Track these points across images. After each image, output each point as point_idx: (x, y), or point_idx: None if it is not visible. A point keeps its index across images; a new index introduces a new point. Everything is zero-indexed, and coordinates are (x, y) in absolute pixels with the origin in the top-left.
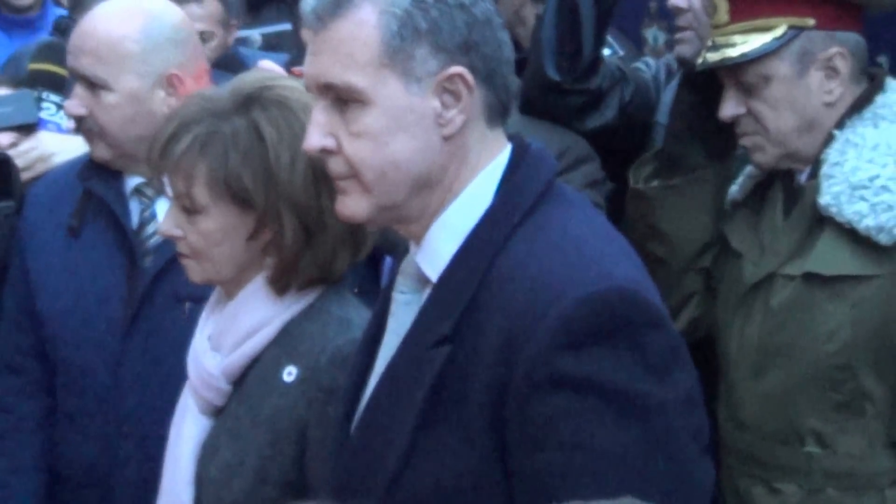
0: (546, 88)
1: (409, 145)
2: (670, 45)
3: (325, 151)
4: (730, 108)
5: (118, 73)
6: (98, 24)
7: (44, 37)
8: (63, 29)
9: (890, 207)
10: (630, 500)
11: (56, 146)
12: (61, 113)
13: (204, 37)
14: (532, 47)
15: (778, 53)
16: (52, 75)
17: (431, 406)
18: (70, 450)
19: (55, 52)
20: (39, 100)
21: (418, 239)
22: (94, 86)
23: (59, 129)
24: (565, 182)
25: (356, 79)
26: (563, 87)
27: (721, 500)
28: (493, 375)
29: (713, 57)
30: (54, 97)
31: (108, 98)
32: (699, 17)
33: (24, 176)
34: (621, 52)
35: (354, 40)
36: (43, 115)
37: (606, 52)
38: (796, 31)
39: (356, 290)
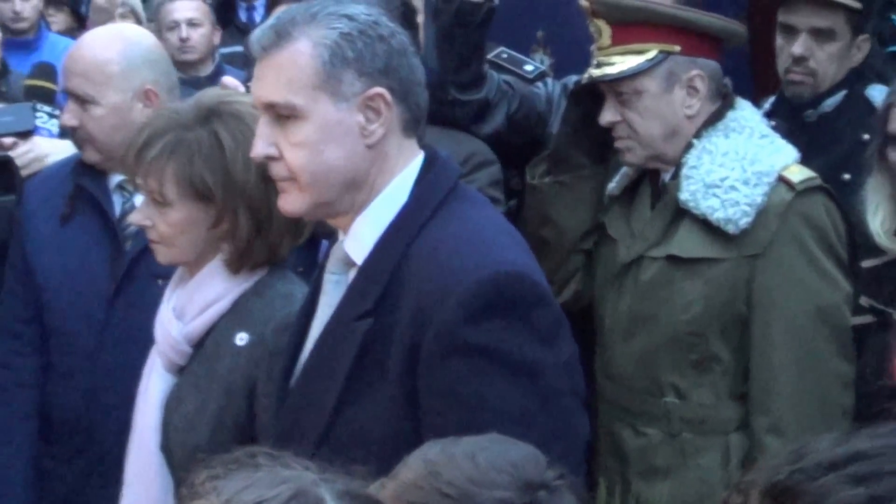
0: (440, 102)
1: (339, 153)
2: (553, 67)
3: (269, 158)
4: (608, 115)
5: (103, 90)
6: (85, 50)
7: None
8: None
9: (736, 203)
10: (493, 437)
11: (49, 148)
12: (53, 121)
13: (194, 22)
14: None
15: (649, 72)
16: (45, 90)
17: (356, 369)
18: (60, 401)
19: (46, 72)
20: (34, 110)
21: (346, 229)
22: (83, 101)
23: (51, 135)
24: (471, 181)
25: (294, 98)
26: (452, 99)
27: (596, 443)
28: (407, 343)
29: (596, 73)
30: (46, 108)
31: (96, 111)
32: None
33: (23, 173)
34: (544, 67)
35: (293, 67)
36: (37, 122)
37: (529, 67)
38: (665, 55)
39: (300, 270)
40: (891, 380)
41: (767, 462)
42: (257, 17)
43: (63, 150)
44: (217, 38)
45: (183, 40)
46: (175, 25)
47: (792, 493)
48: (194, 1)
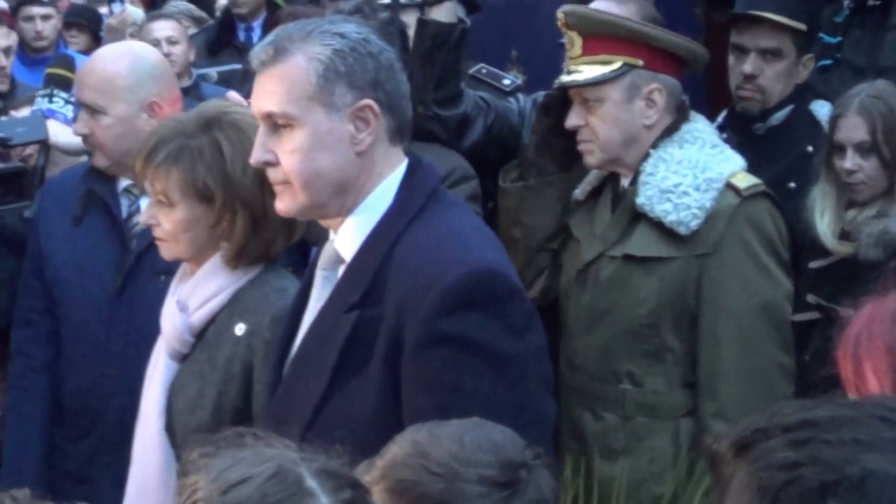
0: (424, 118)
1: (330, 159)
2: (525, 83)
3: (267, 164)
4: (574, 119)
5: (112, 102)
6: (97, 65)
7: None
8: None
9: (688, 207)
10: (476, 420)
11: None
12: (68, 106)
13: (172, 40)
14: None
15: (612, 82)
16: (63, 78)
17: (344, 357)
18: (70, 385)
19: (66, 62)
20: (52, 95)
21: (336, 229)
22: (94, 111)
23: (66, 120)
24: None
25: (290, 109)
26: (433, 115)
27: (559, 425)
28: (391, 334)
29: (566, 79)
30: (63, 94)
31: (105, 120)
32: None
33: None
34: (519, 81)
35: (289, 80)
36: (53, 106)
37: (507, 81)
38: (629, 67)
39: (290, 269)
40: (834, 369)
41: (748, 419)
42: (255, 37)
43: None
44: (192, 55)
45: (165, 55)
46: (156, 43)
47: (747, 448)
48: (171, 21)
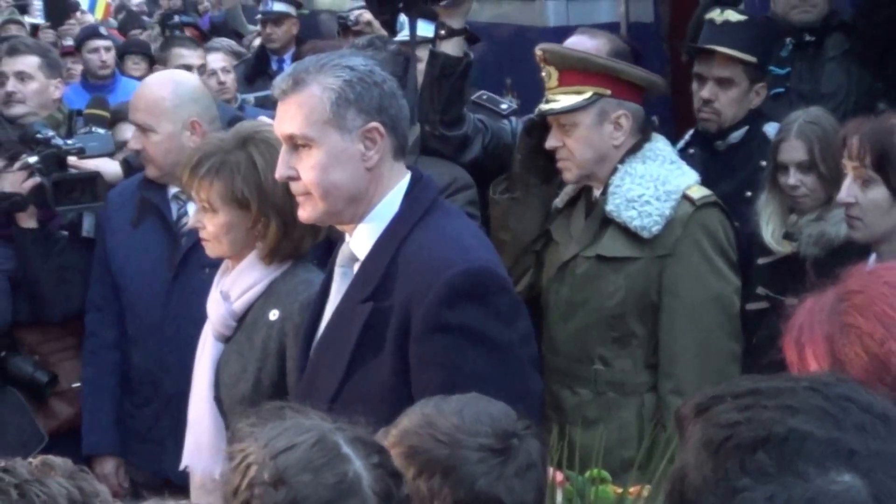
0: (431, 137)
1: (344, 174)
2: (519, 107)
3: (289, 178)
4: (552, 141)
5: (159, 121)
6: (146, 90)
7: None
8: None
9: (650, 214)
10: (475, 396)
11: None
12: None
13: (225, 70)
14: (420, 111)
15: (584, 109)
16: (99, 116)
17: (360, 342)
18: (134, 360)
19: (101, 103)
20: (90, 132)
21: (351, 232)
22: (145, 130)
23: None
24: (454, 200)
25: (309, 131)
26: (439, 134)
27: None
28: (400, 322)
29: (545, 107)
30: (100, 130)
31: (154, 137)
32: None
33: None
34: (514, 106)
35: (307, 106)
36: None
37: (504, 105)
38: (598, 96)
39: (316, 263)
40: (780, 354)
41: (710, 388)
42: (285, 67)
43: (110, 166)
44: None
45: (220, 83)
46: (213, 73)
47: (704, 411)
48: (222, 53)
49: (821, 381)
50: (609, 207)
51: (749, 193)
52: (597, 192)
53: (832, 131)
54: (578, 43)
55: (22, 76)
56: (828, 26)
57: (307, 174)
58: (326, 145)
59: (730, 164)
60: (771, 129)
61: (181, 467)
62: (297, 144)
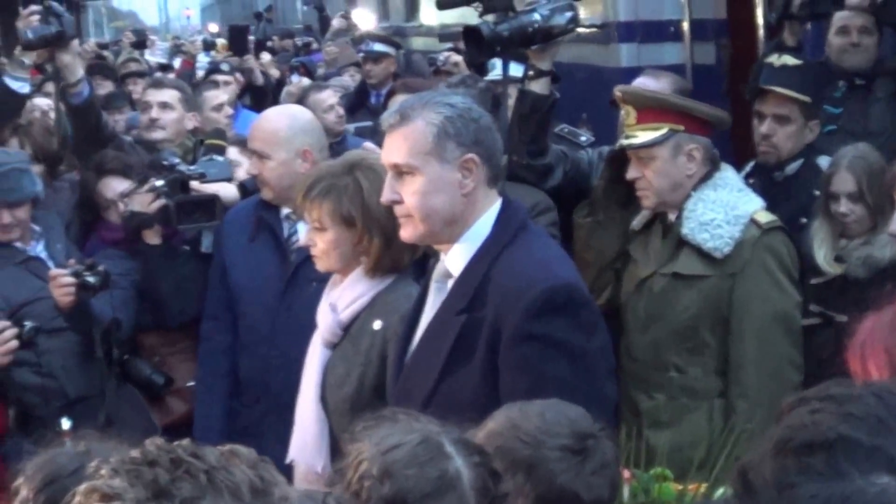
0: (518, 166)
1: (443, 200)
2: (594, 141)
3: (394, 202)
4: (632, 172)
5: (274, 150)
6: (263, 122)
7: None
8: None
9: (721, 237)
10: (556, 401)
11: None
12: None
13: (340, 104)
14: (509, 143)
15: (661, 144)
16: (217, 146)
17: (453, 351)
18: (244, 365)
19: (219, 134)
20: (211, 160)
21: (446, 251)
22: (261, 156)
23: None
24: (536, 222)
25: (412, 161)
26: (526, 163)
27: (619, 404)
28: (491, 333)
29: (625, 142)
30: (219, 158)
31: (269, 163)
32: None
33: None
34: (593, 139)
35: (411, 139)
36: None
37: (583, 137)
38: (673, 132)
39: (414, 278)
40: (840, 368)
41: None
42: (381, 100)
43: (229, 190)
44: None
45: (339, 116)
46: (331, 108)
47: (790, 410)
48: (332, 89)
49: (886, 389)
50: (684, 230)
51: (804, 220)
52: (672, 216)
53: (878, 166)
54: (643, 84)
55: (164, 106)
56: (877, 71)
57: (410, 199)
58: (428, 174)
59: (786, 193)
60: (823, 161)
61: (287, 461)
62: (401, 172)
